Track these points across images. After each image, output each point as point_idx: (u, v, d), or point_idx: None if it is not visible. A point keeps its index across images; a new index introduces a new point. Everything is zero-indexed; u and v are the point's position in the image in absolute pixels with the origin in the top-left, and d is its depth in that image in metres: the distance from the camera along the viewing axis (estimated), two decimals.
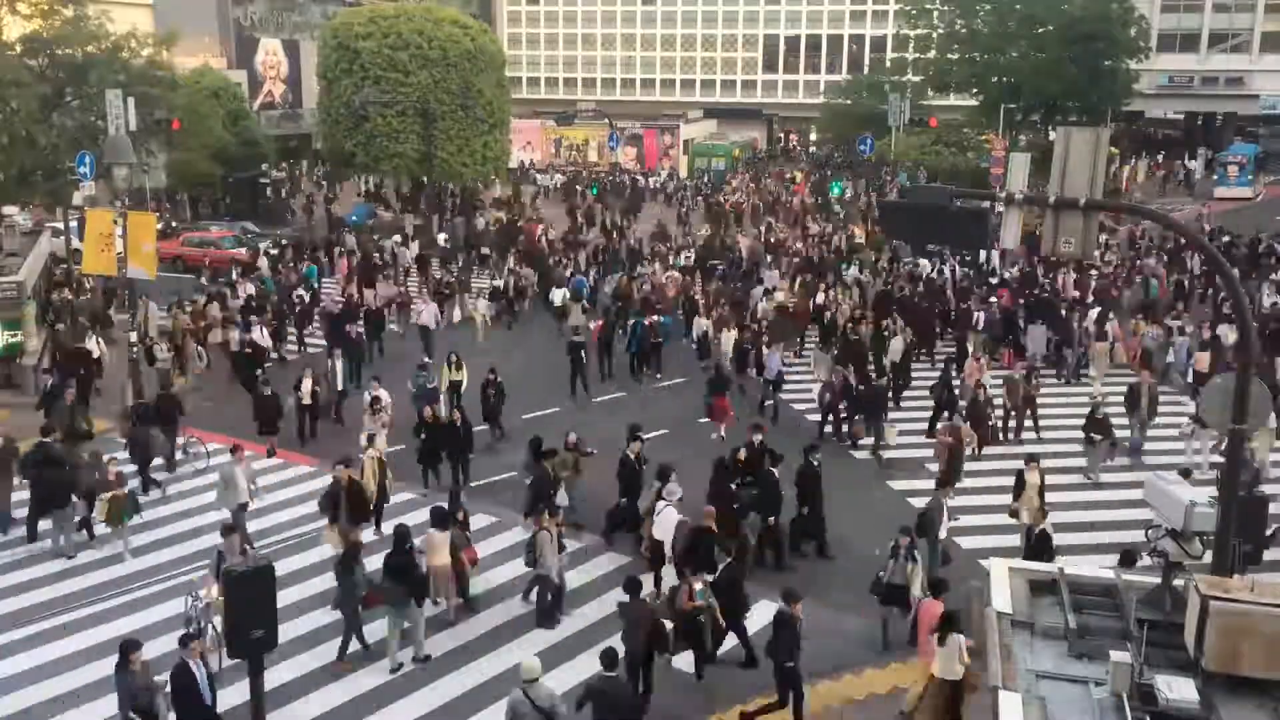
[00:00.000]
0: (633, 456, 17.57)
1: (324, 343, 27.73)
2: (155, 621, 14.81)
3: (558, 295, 31.27)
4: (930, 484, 19.78)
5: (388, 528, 16.27)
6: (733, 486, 16.80)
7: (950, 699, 11.27)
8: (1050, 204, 11.04)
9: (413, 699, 13.06)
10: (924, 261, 35.78)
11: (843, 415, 22.33)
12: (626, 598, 12.74)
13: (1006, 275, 34.65)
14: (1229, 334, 24.52)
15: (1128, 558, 13.09)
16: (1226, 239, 39.72)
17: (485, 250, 41.83)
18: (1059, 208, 11.00)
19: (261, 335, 26.14)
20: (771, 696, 12.45)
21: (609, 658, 11.01)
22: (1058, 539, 16.05)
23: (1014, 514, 16.90)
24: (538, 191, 60.71)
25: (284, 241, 41.23)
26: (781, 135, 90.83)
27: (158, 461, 20.16)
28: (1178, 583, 8.37)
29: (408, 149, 45.24)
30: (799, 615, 12.22)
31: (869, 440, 22.01)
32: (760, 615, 13.84)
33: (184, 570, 16.32)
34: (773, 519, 16.56)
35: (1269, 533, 9.78)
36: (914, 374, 25.51)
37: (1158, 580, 8.60)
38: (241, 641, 9.51)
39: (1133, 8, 60.27)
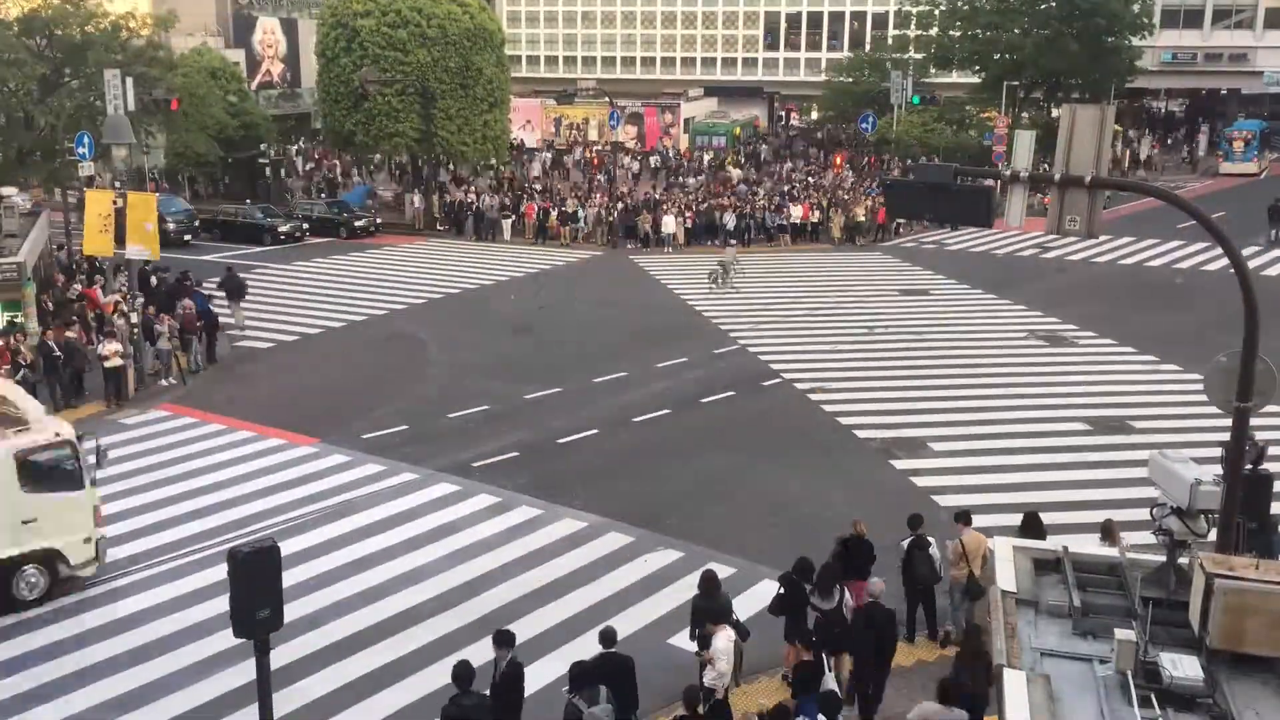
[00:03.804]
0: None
1: None
2: (148, 606, 14.90)
3: None
4: (933, 462, 19.89)
5: None
6: None
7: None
8: (1056, 181, 10.96)
9: (418, 678, 13.11)
10: None
11: None
12: None
13: None
14: None
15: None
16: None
17: None
18: (1064, 185, 10.92)
19: None
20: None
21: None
22: (1061, 518, 16.03)
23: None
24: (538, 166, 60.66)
25: None
26: (782, 113, 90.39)
27: None
28: (1182, 561, 8.37)
29: (407, 128, 45.06)
30: None
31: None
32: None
33: (175, 555, 16.39)
34: None
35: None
36: None
37: (1162, 558, 8.59)
38: (247, 622, 9.52)
39: None
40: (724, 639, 11.45)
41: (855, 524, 13.95)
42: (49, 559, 14.79)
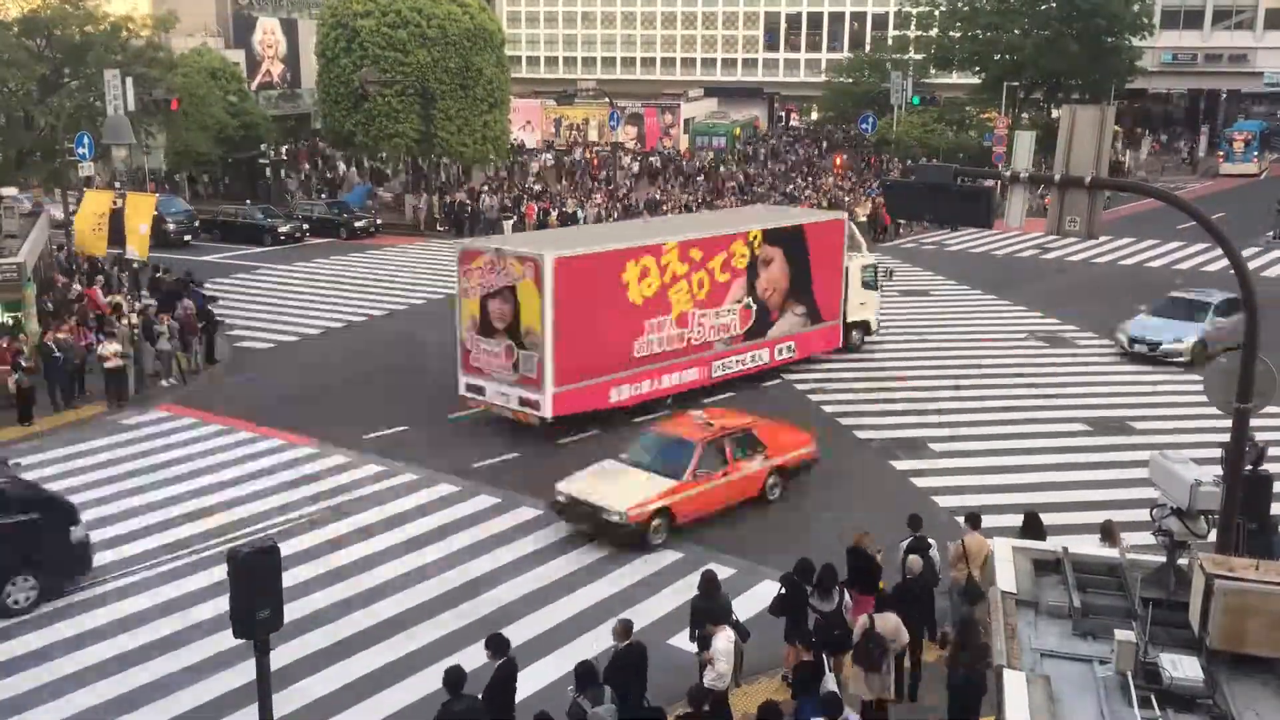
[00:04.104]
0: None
1: None
2: (148, 606, 14.89)
3: None
4: (933, 462, 19.91)
5: None
6: None
7: None
8: (1056, 182, 10.97)
9: (418, 678, 13.10)
10: None
11: None
12: None
13: None
14: None
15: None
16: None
17: None
18: (1064, 186, 10.93)
19: None
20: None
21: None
22: (1061, 518, 16.07)
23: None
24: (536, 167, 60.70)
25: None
26: (782, 114, 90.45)
27: None
28: (1182, 562, 8.36)
29: (407, 129, 45.08)
30: None
31: None
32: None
33: (167, 558, 16.40)
34: None
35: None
36: None
37: (1162, 559, 8.59)
38: (247, 622, 9.52)
39: None
40: (724, 640, 11.45)
41: (858, 537, 13.73)
42: (863, 326, 26.98)
